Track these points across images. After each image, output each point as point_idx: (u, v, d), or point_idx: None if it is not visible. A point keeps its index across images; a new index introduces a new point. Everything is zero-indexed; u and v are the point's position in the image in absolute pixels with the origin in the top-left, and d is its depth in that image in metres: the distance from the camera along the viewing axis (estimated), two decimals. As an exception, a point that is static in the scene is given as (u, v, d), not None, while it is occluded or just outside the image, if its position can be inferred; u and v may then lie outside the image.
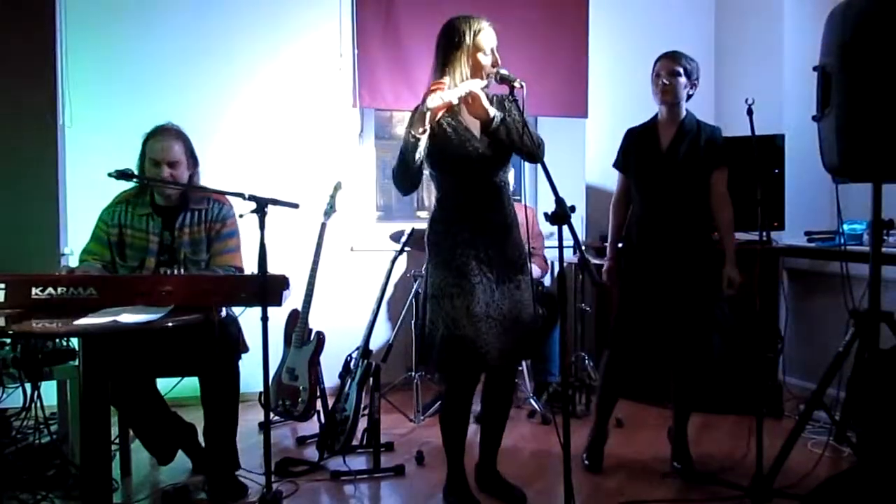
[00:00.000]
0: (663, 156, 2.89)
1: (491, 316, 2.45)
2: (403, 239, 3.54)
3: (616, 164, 3.06)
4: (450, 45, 2.42)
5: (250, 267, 2.75)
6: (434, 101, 2.25)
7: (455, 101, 2.32)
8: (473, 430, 3.43)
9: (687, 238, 2.90)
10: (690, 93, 2.92)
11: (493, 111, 2.38)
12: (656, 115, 2.99)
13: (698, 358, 2.93)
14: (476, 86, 2.36)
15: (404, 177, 2.43)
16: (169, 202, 2.79)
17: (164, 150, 2.72)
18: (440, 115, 2.35)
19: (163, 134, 2.76)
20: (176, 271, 2.72)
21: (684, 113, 2.93)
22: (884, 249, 2.66)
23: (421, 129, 2.31)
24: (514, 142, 2.41)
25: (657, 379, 3.68)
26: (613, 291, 3.05)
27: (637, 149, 2.96)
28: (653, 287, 2.89)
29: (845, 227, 3.44)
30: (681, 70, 2.86)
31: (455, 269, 2.46)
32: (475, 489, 2.71)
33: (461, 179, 2.50)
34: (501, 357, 2.48)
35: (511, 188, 2.61)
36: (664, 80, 2.87)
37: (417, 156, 2.35)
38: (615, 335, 2.99)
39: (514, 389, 2.83)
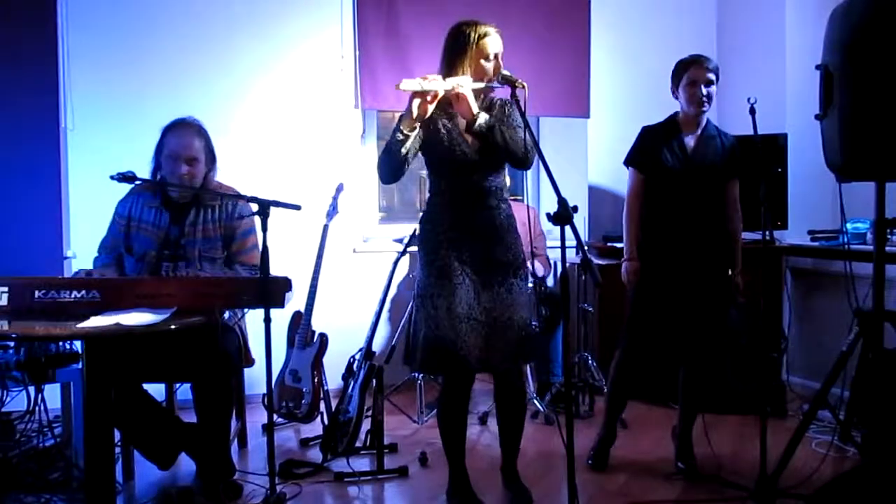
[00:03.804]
0: (690, 159, 2.88)
1: (474, 317, 2.44)
2: (406, 240, 3.54)
3: (630, 162, 3.01)
4: (455, 48, 2.44)
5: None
6: (408, 84, 2.26)
7: (441, 92, 2.31)
8: (477, 431, 3.43)
9: (706, 240, 2.89)
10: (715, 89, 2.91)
11: (479, 113, 2.38)
12: (675, 114, 2.96)
13: (710, 360, 2.93)
14: (466, 82, 2.36)
15: (387, 168, 2.43)
16: (183, 198, 2.78)
17: (183, 147, 2.70)
18: (430, 112, 2.34)
19: (183, 128, 2.74)
20: (185, 270, 2.72)
21: (706, 118, 2.92)
22: (888, 248, 2.66)
23: (408, 128, 2.34)
24: (499, 146, 2.40)
25: (662, 379, 3.68)
26: (628, 291, 3.03)
27: (659, 149, 2.92)
28: (669, 288, 2.88)
29: (849, 226, 3.43)
30: (714, 78, 2.84)
31: (437, 269, 2.47)
32: (484, 490, 2.70)
33: (449, 181, 2.51)
34: (486, 359, 2.47)
35: (507, 191, 2.57)
36: (702, 92, 2.83)
37: (403, 151, 2.37)
38: (629, 335, 2.98)
39: (523, 392, 2.82)
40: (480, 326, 2.45)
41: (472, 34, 2.42)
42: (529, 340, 2.56)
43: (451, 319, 2.42)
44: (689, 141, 2.90)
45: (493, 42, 2.44)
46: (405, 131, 2.35)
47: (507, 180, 2.65)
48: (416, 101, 2.30)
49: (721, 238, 2.92)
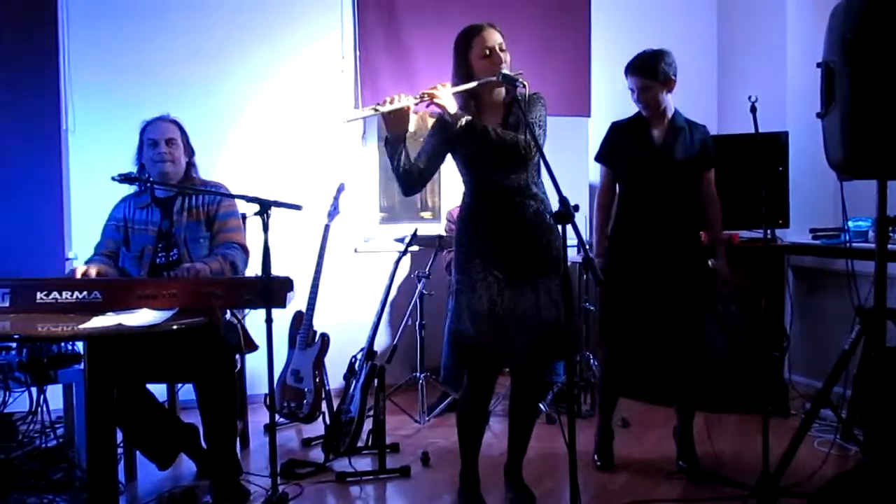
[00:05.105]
0: (658, 152, 2.89)
1: (497, 314, 2.44)
2: (407, 240, 3.54)
3: (600, 159, 3.03)
4: (455, 56, 2.50)
5: (254, 267, 2.76)
6: (357, 113, 2.45)
7: (410, 105, 2.35)
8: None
9: (678, 235, 2.91)
10: (671, 88, 2.89)
11: (462, 117, 2.39)
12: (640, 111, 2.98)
13: (693, 356, 2.94)
14: (444, 92, 2.37)
15: (399, 184, 2.50)
16: (169, 191, 2.87)
17: (160, 132, 2.85)
18: (407, 126, 2.40)
19: (160, 119, 2.91)
20: (175, 254, 2.80)
21: (672, 110, 2.93)
22: (889, 246, 2.65)
23: (391, 144, 2.40)
24: (486, 145, 2.41)
25: (663, 379, 3.68)
26: (606, 290, 3.03)
27: (628, 144, 2.93)
28: (645, 285, 2.89)
29: (850, 224, 3.42)
30: (650, 83, 2.83)
31: (461, 265, 2.51)
32: (485, 490, 2.70)
33: (473, 181, 2.54)
34: (505, 355, 2.48)
35: (537, 187, 2.53)
36: (639, 97, 2.88)
37: (402, 166, 2.43)
38: (611, 335, 2.99)
39: (538, 393, 2.83)
40: (502, 323, 2.45)
41: (466, 37, 2.47)
42: (552, 341, 2.51)
43: (471, 315, 2.44)
44: (656, 132, 2.92)
45: (488, 36, 2.45)
46: (389, 147, 2.42)
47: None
48: (386, 121, 2.37)
49: (695, 231, 2.94)
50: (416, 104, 2.36)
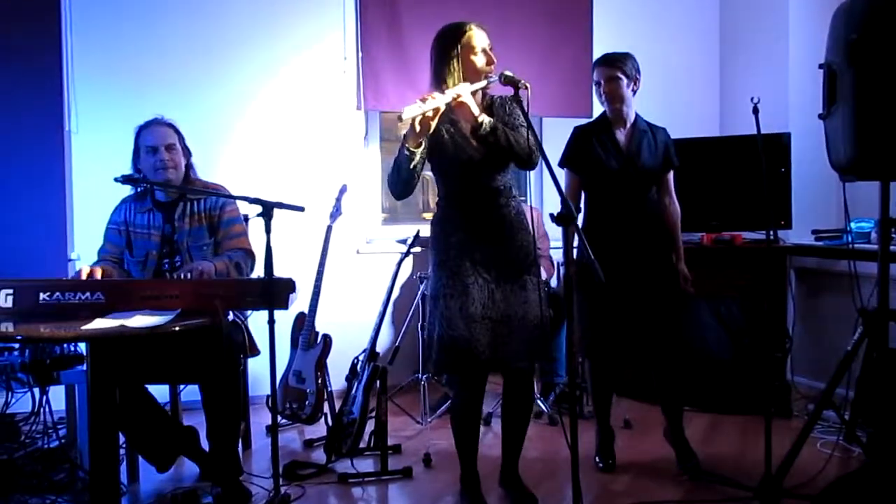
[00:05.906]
0: (625, 154, 2.92)
1: (488, 317, 2.45)
2: (409, 241, 3.54)
3: (566, 163, 3.01)
4: (441, 55, 2.47)
5: (257, 269, 2.77)
6: (410, 112, 2.24)
7: (442, 106, 2.31)
8: (480, 433, 3.42)
9: (649, 236, 2.93)
10: (635, 89, 2.95)
11: (482, 117, 2.37)
12: (603, 113, 3.00)
13: (672, 356, 2.95)
14: (465, 90, 2.36)
15: (397, 184, 2.45)
16: (170, 195, 2.85)
17: (159, 137, 2.81)
18: (434, 123, 2.34)
19: (155, 123, 2.87)
20: (179, 261, 2.79)
21: (634, 112, 2.97)
22: (892, 248, 2.65)
23: (414, 144, 2.34)
24: (503, 148, 2.40)
25: (647, 379, 3.67)
26: (585, 292, 3.02)
27: (595, 148, 2.93)
28: (619, 287, 2.87)
29: (853, 225, 3.42)
30: (618, 74, 2.88)
31: (449, 270, 2.49)
32: (486, 492, 2.69)
33: (456, 183, 2.52)
34: (501, 358, 2.48)
35: (516, 188, 2.57)
36: (605, 89, 2.92)
37: (412, 167, 2.37)
38: (589, 345, 2.99)
39: (531, 394, 2.82)
40: (495, 325, 2.45)
41: (454, 36, 2.44)
42: (543, 338, 2.54)
43: (464, 319, 2.43)
44: (620, 136, 2.95)
45: (477, 36, 2.45)
46: (411, 148, 2.35)
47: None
48: (418, 119, 2.29)
49: (663, 232, 2.96)
50: (447, 102, 2.33)
